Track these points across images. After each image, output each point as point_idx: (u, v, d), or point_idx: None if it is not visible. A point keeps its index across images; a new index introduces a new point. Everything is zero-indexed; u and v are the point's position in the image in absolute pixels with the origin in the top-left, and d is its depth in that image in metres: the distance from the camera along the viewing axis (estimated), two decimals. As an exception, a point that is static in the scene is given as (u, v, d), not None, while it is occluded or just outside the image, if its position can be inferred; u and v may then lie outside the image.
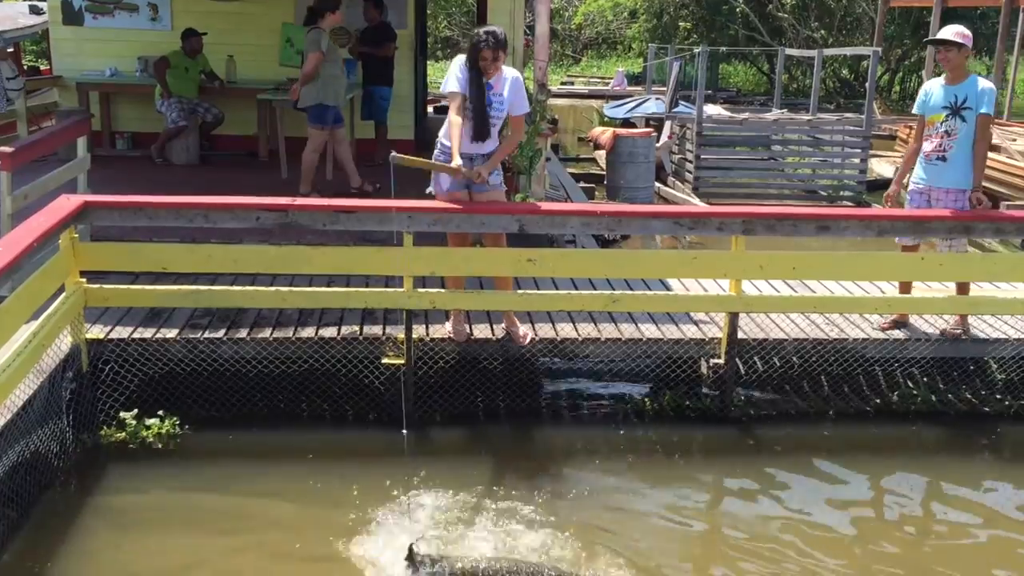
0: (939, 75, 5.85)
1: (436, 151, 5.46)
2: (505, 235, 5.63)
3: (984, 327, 6.08)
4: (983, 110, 5.51)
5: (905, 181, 6.07)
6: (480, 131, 5.25)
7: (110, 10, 10.38)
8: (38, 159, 6.74)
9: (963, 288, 5.95)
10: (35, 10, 14.11)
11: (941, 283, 6.50)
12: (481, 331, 5.69)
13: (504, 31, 5.23)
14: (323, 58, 7.84)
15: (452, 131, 5.19)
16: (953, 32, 5.59)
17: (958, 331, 5.92)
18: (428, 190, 5.54)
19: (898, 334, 5.90)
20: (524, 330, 5.66)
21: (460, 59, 5.30)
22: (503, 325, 5.69)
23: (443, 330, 5.66)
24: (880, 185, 13.45)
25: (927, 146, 5.75)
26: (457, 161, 5.15)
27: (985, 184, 12.80)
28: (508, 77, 5.31)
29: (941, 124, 5.64)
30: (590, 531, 4.46)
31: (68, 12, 10.34)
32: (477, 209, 5.42)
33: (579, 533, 4.43)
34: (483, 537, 4.38)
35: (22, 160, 5.93)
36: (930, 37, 16.54)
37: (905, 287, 6.05)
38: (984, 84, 5.57)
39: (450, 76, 5.27)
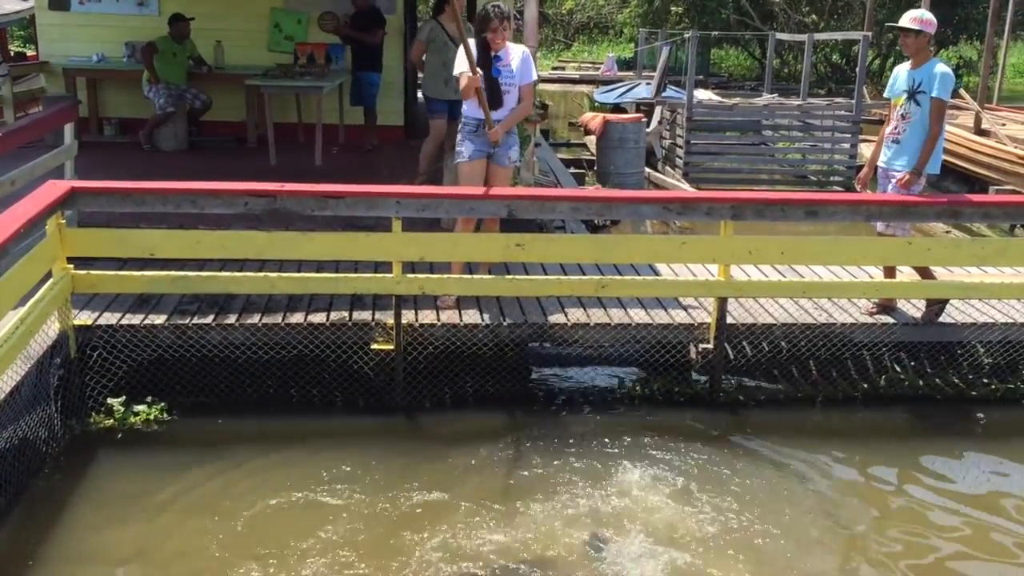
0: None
1: (461, 123, 5.79)
2: (498, 220, 5.72)
3: (972, 311, 6.10)
4: (935, 94, 5.56)
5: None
6: (492, 98, 5.60)
7: (97, -6, 10.31)
8: (25, 145, 6.69)
9: (925, 272, 6.00)
10: (20, -5, 14.00)
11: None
12: (470, 317, 5.70)
13: (509, 6, 5.68)
14: (424, 48, 7.89)
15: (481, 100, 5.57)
16: (911, 18, 5.66)
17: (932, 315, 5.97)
18: (456, 161, 5.86)
19: (885, 318, 5.92)
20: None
21: (471, 43, 5.59)
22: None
23: (432, 315, 5.66)
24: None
25: (888, 128, 5.88)
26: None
27: (975, 169, 12.98)
28: (517, 51, 5.74)
29: (900, 107, 5.75)
30: (580, 515, 4.49)
31: (54, -3, 10.25)
32: (466, 194, 5.44)
33: (569, 518, 4.45)
34: (472, 523, 4.40)
35: (8, 146, 5.90)
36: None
37: (890, 272, 6.08)
38: (941, 68, 5.61)
39: (459, 58, 5.61)
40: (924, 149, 5.61)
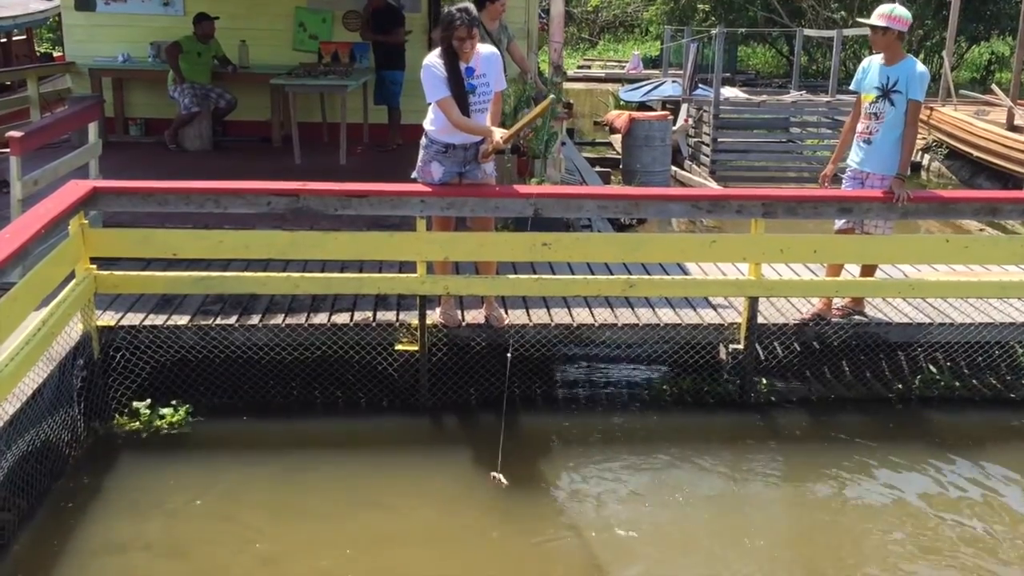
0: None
1: (425, 140, 5.23)
2: (493, 219, 5.53)
3: (1011, 311, 5.94)
4: (912, 96, 5.33)
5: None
6: (463, 113, 5.02)
7: (122, -6, 10.33)
8: (50, 145, 6.69)
9: (868, 271, 5.84)
10: (47, -6, 14.12)
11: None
12: (474, 316, 5.60)
13: (474, 6, 5.06)
14: None
15: (470, 124, 5.04)
16: (878, 15, 5.38)
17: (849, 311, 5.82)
18: (412, 175, 5.34)
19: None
20: (502, 314, 5.58)
21: (430, 62, 5.02)
22: (483, 311, 5.58)
23: (457, 316, 5.58)
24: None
25: (859, 126, 5.60)
26: (496, 135, 4.98)
27: (1008, 166, 12.77)
28: (487, 55, 5.11)
29: (871, 105, 5.49)
30: (608, 518, 4.40)
31: (80, -3, 10.28)
32: (492, 192, 5.35)
33: (597, 522, 4.37)
34: (497, 524, 4.33)
35: (32, 145, 5.88)
36: (951, 19, 16.30)
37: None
38: (918, 68, 5.36)
39: (430, 85, 4.99)
40: (904, 151, 5.38)
